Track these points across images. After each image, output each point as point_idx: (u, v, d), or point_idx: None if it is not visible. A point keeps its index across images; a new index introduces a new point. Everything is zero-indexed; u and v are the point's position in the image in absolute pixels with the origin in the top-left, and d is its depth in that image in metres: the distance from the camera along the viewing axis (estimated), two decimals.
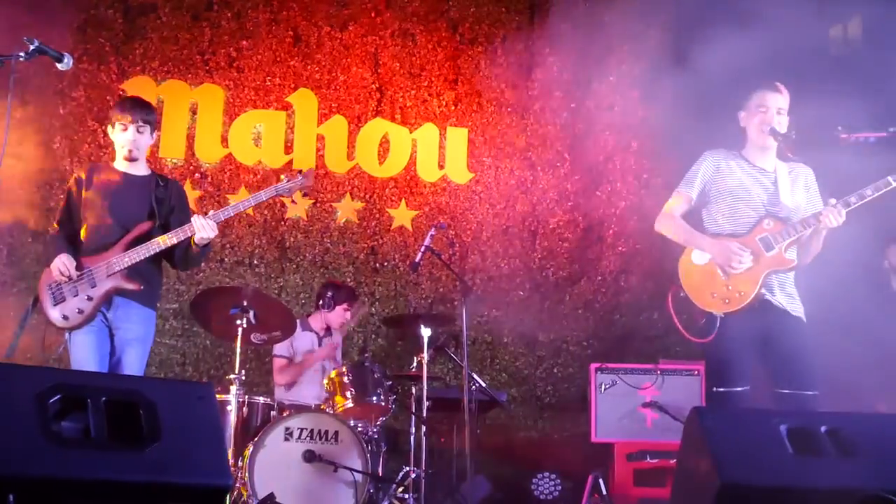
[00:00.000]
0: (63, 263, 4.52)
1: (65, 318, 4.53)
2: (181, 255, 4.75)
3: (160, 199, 4.76)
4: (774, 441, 2.97)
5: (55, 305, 4.54)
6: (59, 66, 3.96)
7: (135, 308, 4.64)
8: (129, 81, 7.22)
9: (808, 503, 2.85)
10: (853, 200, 4.26)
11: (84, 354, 4.54)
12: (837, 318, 4.64)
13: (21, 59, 3.80)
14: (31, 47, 3.82)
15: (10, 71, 3.81)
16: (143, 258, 4.56)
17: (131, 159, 4.77)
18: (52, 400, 2.50)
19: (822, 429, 3.03)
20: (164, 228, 4.68)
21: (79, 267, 4.55)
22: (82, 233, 4.69)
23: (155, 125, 4.87)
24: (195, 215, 4.63)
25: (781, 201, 4.41)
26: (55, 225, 4.77)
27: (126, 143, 4.73)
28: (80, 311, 4.52)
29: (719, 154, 4.58)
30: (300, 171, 4.95)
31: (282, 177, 4.89)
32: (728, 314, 4.28)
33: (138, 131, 4.72)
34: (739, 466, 2.87)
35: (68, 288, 4.54)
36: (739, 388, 4.26)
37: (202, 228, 4.56)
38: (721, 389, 4.28)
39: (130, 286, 4.58)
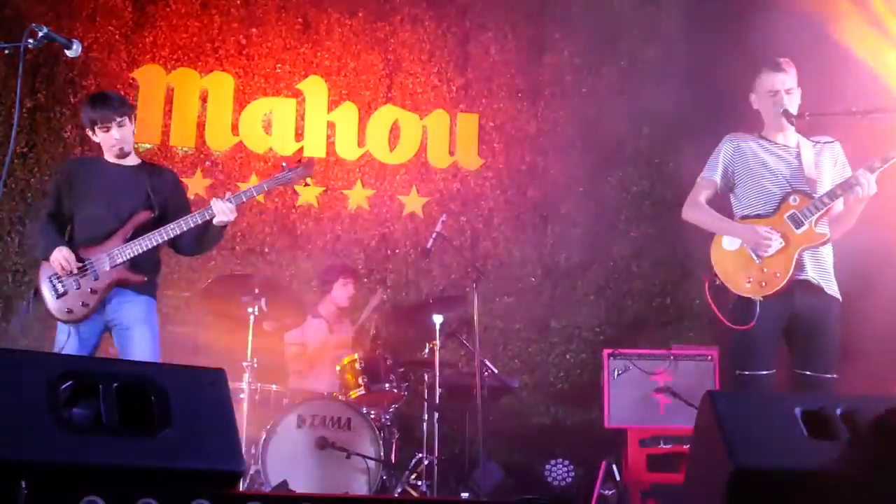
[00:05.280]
0: (64, 257, 4.44)
1: (69, 311, 4.47)
2: (193, 240, 4.70)
3: (156, 189, 4.69)
4: (789, 424, 2.95)
5: (57, 298, 4.47)
6: (67, 52, 3.93)
7: (130, 296, 4.58)
8: (138, 70, 7.22)
9: (823, 487, 2.83)
10: (877, 165, 4.21)
11: (71, 349, 4.46)
12: (879, 296, 4.59)
13: (30, 46, 3.78)
14: (40, 34, 3.79)
15: (20, 59, 3.80)
16: (146, 249, 4.51)
17: (123, 155, 4.71)
18: (63, 386, 2.50)
19: (838, 411, 3.00)
20: (162, 219, 4.61)
21: (77, 259, 4.48)
22: (74, 224, 4.62)
23: (133, 111, 4.79)
24: (214, 199, 4.58)
25: (806, 175, 4.36)
26: (45, 215, 4.66)
27: (113, 142, 4.65)
28: (85, 305, 4.46)
29: (739, 137, 4.56)
30: (299, 161, 4.96)
31: (283, 164, 4.87)
32: (766, 297, 4.24)
33: (119, 126, 4.63)
34: (753, 450, 2.84)
35: (69, 280, 4.47)
36: (765, 372, 4.23)
37: (223, 212, 4.53)
38: (747, 373, 4.25)
39: (135, 278, 4.54)
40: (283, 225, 7.36)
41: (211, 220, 4.56)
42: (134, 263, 4.53)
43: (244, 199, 4.71)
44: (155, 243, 4.52)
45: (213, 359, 7.01)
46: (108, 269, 4.48)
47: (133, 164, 4.77)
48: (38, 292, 4.52)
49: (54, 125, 7.04)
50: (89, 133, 4.71)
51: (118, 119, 4.61)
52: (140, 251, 4.51)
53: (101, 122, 4.59)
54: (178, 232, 4.53)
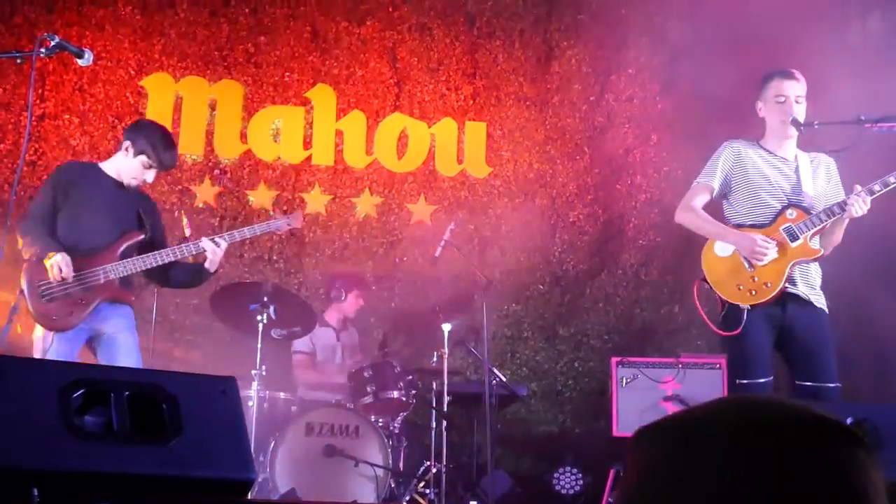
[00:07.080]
0: (66, 265, 4.34)
1: (54, 318, 4.39)
2: (182, 275, 4.88)
3: (146, 213, 4.75)
4: None
5: (44, 304, 4.38)
6: (79, 61, 3.97)
7: (116, 307, 4.60)
8: (147, 78, 7.24)
9: None
10: (877, 188, 4.22)
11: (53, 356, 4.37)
12: (863, 308, 4.60)
13: (42, 55, 3.81)
14: (52, 43, 3.82)
15: (31, 68, 3.83)
16: (141, 269, 4.57)
17: (129, 187, 4.75)
18: (75, 394, 2.50)
19: (848, 420, 2.99)
20: (150, 243, 4.68)
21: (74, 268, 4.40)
22: (68, 230, 4.53)
23: None
24: (203, 238, 4.69)
25: (804, 191, 4.38)
26: (38, 215, 4.55)
27: (140, 180, 4.70)
28: (71, 314, 4.41)
29: (739, 144, 4.56)
30: (286, 212, 5.35)
31: (271, 213, 5.06)
32: (754, 306, 4.25)
33: (157, 173, 4.76)
34: None
35: (59, 288, 4.37)
36: (762, 380, 4.24)
37: (212, 250, 4.67)
38: (744, 381, 4.25)
39: (125, 296, 4.60)
40: (291, 232, 7.35)
41: (204, 260, 4.71)
42: (125, 281, 4.59)
43: (237, 238, 4.90)
44: (151, 265, 4.56)
45: (221, 366, 7.05)
46: (102, 282, 4.47)
47: None
48: (22, 292, 4.42)
49: (63, 133, 7.06)
50: (131, 155, 4.66)
51: (165, 169, 4.83)
52: (135, 270, 4.55)
53: (161, 165, 4.70)
54: (174, 258, 4.62)
